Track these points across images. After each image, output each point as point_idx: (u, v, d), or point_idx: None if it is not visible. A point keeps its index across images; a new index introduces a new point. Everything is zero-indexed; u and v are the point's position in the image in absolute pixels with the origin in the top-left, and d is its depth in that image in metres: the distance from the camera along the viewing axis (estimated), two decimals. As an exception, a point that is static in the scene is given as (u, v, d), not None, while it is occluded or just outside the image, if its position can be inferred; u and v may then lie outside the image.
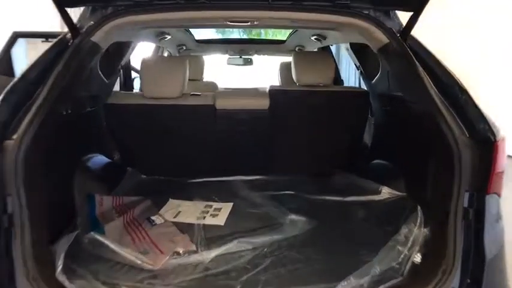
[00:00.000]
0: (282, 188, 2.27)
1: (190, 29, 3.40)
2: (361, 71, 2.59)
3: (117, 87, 2.77)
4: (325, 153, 2.51)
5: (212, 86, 3.49)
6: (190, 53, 3.99)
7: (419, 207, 1.66)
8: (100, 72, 2.18)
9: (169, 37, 2.94)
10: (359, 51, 2.55)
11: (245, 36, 4.07)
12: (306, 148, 2.48)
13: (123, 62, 2.52)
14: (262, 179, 2.44)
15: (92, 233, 1.66)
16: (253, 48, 4.04)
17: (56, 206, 1.59)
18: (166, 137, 2.32)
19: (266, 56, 4.35)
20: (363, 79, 2.60)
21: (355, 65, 2.68)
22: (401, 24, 1.79)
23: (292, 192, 2.23)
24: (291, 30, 3.52)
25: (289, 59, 4.34)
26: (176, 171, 2.45)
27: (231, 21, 1.81)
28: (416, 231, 1.60)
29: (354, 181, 2.37)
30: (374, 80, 2.42)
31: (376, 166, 2.43)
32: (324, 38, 2.83)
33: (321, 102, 2.34)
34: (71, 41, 1.64)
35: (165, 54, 3.75)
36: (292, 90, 2.40)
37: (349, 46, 2.59)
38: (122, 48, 2.45)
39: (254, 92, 2.53)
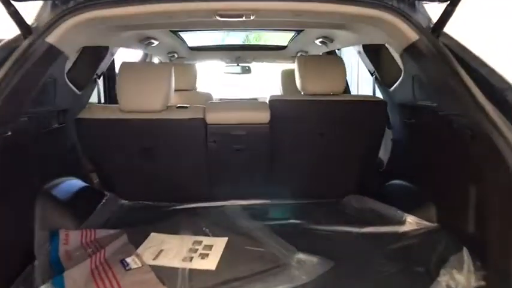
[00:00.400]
0: (286, 216, 1.92)
1: (181, 35, 3.08)
2: (375, 77, 2.25)
3: (95, 99, 2.42)
4: (335, 174, 2.16)
5: (206, 97, 3.15)
6: (183, 62, 3.67)
7: (465, 248, 1.30)
8: (69, 83, 1.85)
9: (156, 43, 2.61)
10: (373, 54, 2.22)
11: (242, 42, 3.75)
12: (313, 168, 2.13)
13: (99, 71, 2.18)
14: (263, 205, 2.08)
15: (48, 284, 1.32)
16: (251, 55, 3.71)
17: (7, 246, 1.29)
18: (149, 156, 1.97)
19: (265, 63, 4.02)
20: (379, 86, 2.26)
21: (369, 70, 2.33)
22: (430, 19, 1.47)
23: (299, 222, 1.87)
24: (292, 34, 3.20)
25: (290, 66, 4.07)
26: (161, 196, 2.10)
27: (221, 16, 1.47)
28: (462, 280, 1.24)
29: (370, 206, 2.02)
30: (393, 88, 2.08)
31: (396, 188, 2.08)
32: (331, 40, 2.49)
33: (332, 114, 2.00)
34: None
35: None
36: (297, 100, 2.05)
37: (361, 48, 2.25)
38: (98, 55, 2.12)
39: (252, 104, 2.18)
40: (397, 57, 1.99)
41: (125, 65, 1.90)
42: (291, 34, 3.31)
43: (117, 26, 1.82)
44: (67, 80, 1.82)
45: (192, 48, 3.51)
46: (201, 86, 3.62)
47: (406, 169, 2.07)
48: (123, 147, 1.97)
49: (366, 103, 2.07)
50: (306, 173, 2.14)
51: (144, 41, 2.46)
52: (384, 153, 2.34)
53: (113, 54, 2.24)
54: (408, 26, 1.36)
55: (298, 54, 3.58)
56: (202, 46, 3.60)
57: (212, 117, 1.93)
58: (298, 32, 2.84)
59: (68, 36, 1.38)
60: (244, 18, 1.49)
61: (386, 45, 2.19)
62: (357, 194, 2.16)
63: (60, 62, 1.54)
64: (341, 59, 2.10)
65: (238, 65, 3.84)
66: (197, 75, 3.23)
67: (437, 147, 1.67)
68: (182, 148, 1.97)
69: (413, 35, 1.38)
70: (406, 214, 1.80)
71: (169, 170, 2.03)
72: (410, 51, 1.47)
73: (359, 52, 2.31)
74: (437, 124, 1.60)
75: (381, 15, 1.34)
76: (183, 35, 3.11)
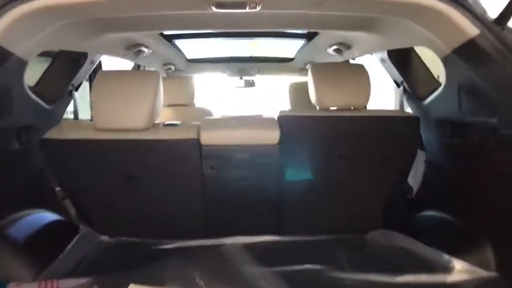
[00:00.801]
0: (300, 259, 1.54)
1: (177, 44, 2.76)
2: (404, 88, 1.89)
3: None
4: (358, 203, 1.79)
5: (204, 113, 2.81)
6: (181, 75, 3.35)
7: None
8: (32, 94, 1.51)
9: (147, 51, 2.29)
10: (400, 61, 1.88)
11: (245, 54, 3.42)
12: (331, 196, 1.76)
13: (76, 81, 1.84)
14: (271, 243, 1.72)
15: None
16: (254, 67, 3.38)
17: None
18: (133, 184, 1.62)
19: (270, 76, 3.69)
20: (408, 99, 1.91)
21: (395, 81, 1.98)
22: (484, 9, 1.14)
23: (316, 267, 1.49)
24: (300, 44, 2.88)
25: (298, 79, 3.73)
26: (147, 232, 1.73)
27: (218, 6, 1.13)
28: None
29: (400, 245, 1.65)
30: (428, 100, 1.73)
31: (432, 221, 1.72)
32: (348, 47, 2.16)
33: (354, 132, 1.65)
34: None
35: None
36: (312, 116, 1.70)
37: (386, 55, 1.91)
38: (74, 63, 1.80)
39: (257, 121, 1.83)
40: (433, 62, 1.65)
41: (102, 74, 1.56)
42: (298, 44, 3.00)
43: (90, 25, 1.50)
44: (28, 90, 1.48)
45: (191, 60, 3.19)
46: (200, 101, 3.30)
47: (446, 198, 1.70)
48: (101, 174, 1.62)
49: (395, 119, 1.71)
50: (323, 202, 1.77)
51: (132, 48, 2.13)
52: (413, 178, 1.96)
53: (93, 63, 1.91)
54: (467, 18, 1.02)
55: (307, 67, 3.25)
56: (201, 58, 3.28)
57: (208, 137, 1.58)
58: (308, 39, 2.51)
59: (15, 32, 1.05)
60: (248, 9, 1.15)
61: (414, 50, 1.86)
62: (383, 227, 1.80)
63: (12, 67, 1.21)
64: (363, 66, 1.76)
65: (241, 78, 3.52)
66: (195, 89, 2.89)
67: (495, 174, 1.31)
68: (172, 175, 1.61)
69: (472, 30, 1.05)
70: (452, 258, 1.42)
71: (157, 201, 1.67)
72: (464, 51, 1.13)
73: (382, 60, 1.97)
74: (497, 145, 1.24)
75: (434, 4, 1.00)
76: (179, 44, 2.80)
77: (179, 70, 3.27)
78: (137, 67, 2.83)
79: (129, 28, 1.69)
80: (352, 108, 1.71)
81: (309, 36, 2.46)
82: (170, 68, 3.16)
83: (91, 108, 1.68)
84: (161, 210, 1.69)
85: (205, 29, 1.87)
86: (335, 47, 2.27)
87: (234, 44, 3.34)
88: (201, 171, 1.59)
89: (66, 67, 1.78)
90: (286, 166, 1.66)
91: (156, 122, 1.58)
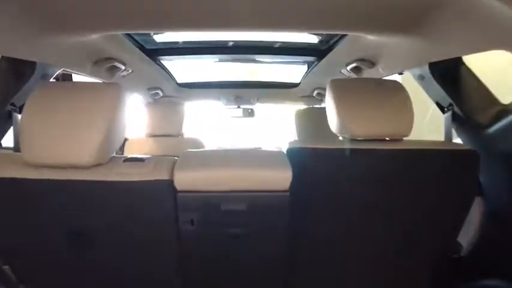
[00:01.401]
0: None
1: (164, 64, 2.35)
2: (453, 112, 1.44)
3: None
4: (394, 271, 1.30)
5: (194, 145, 2.35)
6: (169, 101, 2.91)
7: None
8: None
9: (124, 69, 1.86)
10: (447, 78, 1.44)
11: (243, 79, 3.00)
12: (360, 263, 1.27)
13: (18, 100, 1.37)
14: None
15: None
16: (254, 94, 2.95)
17: None
18: (81, 244, 1.12)
19: (272, 104, 3.26)
20: (459, 128, 1.45)
21: (439, 103, 1.53)
22: None
23: None
24: (307, 67, 2.47)
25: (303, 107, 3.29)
26: None
27: None
28: None
29: None
30: (492, 129, 1.28)
31: None
32: (373, 63, 1.73)
33: (392, 171, 1.19)
34: None
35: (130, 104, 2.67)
36: (337, 149, 1.23)
37: (427, 70, 1.47)
38: (16, 75, 1.35)
39: (259, 156, 1.34)
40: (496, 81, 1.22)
41: (41, 87, 1.10)
42: (303, 69, 2.59)
43: (34, 20, 1.07)
44: None
45: (182, 85, 2.77)
46: (190, 131, 2.85)
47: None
48: (38, 229, 1.13)
49: (447, 154, 1.25)
50: (350, 270, 1.27)
51: (103, 64, 1.70)
52: (465, 233, 1.48)
53: (46, 77, 1.46)
54: None
55: (315, 93, 2.83)
56: (194, 82, 2.86)
57: (186, 179, 1.10)
58: (319, 57, 2.09)
59: None
60: None
61: (463, 62, 1.44)
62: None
63: None
64: (400, 83, 1.32)
65: (239, 106, 3.09)
66: (184, 116, 2.44)
67: None
68: (134, 232, 1.12)
69: None
70: None
71: (114, 268, 1.17)
72: None
73: (420, 77, 1.53)
74: None
75: None
76: (167, 64, 2.39)
77: (168, 96, 2.84)
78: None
79: (87, 26, 1.25)
80: (387, 139, 1.26)
81: (320, 54, 2.05)
82: (157, 93, 2.73)
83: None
84: (120, 280, 1.18)
85: (189, 28, 1.43)
86: (354, 64, 1.84)
87: (231, 67, 2.94)
88: (176, 227, 1.10)
89: (5, 80, 1.33)
90: (300, 221, 1.17)
91: (114, 155, 1.11)
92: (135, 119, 2.48)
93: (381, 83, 1.34)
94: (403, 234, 1.30)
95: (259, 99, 3.03)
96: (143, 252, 1.14)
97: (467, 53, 1.32)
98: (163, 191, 1.07)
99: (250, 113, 3.15)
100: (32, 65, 1.36)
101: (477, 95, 1.37)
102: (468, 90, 1.40)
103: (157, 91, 2.70)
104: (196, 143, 2.38)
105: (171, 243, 1.13)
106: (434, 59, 1.38)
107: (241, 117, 3.15)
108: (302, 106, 3.15)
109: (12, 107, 1.36)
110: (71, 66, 1.55)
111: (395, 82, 1.34)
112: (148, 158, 1.13)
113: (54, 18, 1.14)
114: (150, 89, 2.62)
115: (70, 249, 1.13)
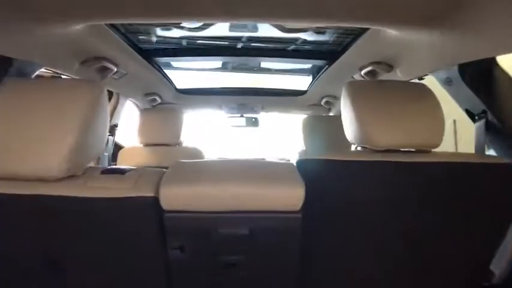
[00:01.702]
0: None
1: (165, 70, 2.19)
2: (487, 121, 1.26)
3: None
4: None
5: (192, 155, 2.17)
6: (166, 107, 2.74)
7: None
8: None
9: (116, 70, 1.70)
10: (479, 81, 1.26)
11: (247, 85, 2.84)
12: None
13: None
14: None
15: None
16: (258, 102, 2.78)
17: None
18: (57, 271, 0.95)
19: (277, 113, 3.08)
20: (492, 140, 1.27)
21: (469, 111, 1.34)
22: None
23: None
24: (312, 78, 2.31)
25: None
26: None
27: None
28: None
29: None
30: None
31: None
32: (391, 66, 1.55)
33: (422, 188, 1.01)
34: None
35: (125, 110, 2.50)
36: (359, 162, 1.03)
37: (456, 73, 1.29)
38: None
39: (265, 168, 1.14)
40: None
41: (10, 83, 0.94)
42: (310, 77, 2.43)
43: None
44: None
45: (181, 91, 2.60)
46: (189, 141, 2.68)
47: None
48: (7, 251, 0.95)
49: (482, 168, 1.06)
50: None
51: (93, 64, 1.53)
52: (497, 260, 1.29)
53: (23, 74, 1.29)
54: None
55: (323, 102, 2.66)
56: (194, 88, 2.70)
57: (174, 196, 0.92)
58: (330, 61, 1.92)
59: None
60: None
61: (497, 63, 1.27)
62: None
63: None
64: (427, 87, 1.14)
65: (242, 115, 2.92)
66: (182, 124, 2.26)
67: None
68: (113, 260, 0.94)
69: None
70: None
71: None
72: None
73: (448, 81, 1.35)
74: None
75: None
76: (165, 69, 2.23)
77: (166, 103, 2.67)
78: (108, 94, 2.23)
79: (66, 15, 1.08)
80: (413, 150, 1.08)
81: (331, 57, 1.88)
82: (155, 99, 2.56)
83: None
84: None
85: (185, 18, 1.25)
86: (369, 68, 1.66)
87: (234, 75, 2.78)
88: (163, 255, 0.92)
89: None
90: (311, 246, 0.99)
91: (91, 165, 0.94)
92: (132, 126, 2.32)
93: (405, 86, 1.16)
94: (428, 259, 1.12)
95: (263, 107, 2.86)
96: (124, 283, 0.95)
97: (504, 53, 1.14)
98: (147, 211, 0.89)
99: (254, 123, 2.98)
100: (5, 61, 1.20)
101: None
102: (504, 95, 1.22)
103: (155, 97, 2.54)
104: (195, 153, 2.21)
105: (157, 274, 0.95)
106: (464, 60, 1.20)
107: (244, 126, 2.98)
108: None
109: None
110: (53, 64, 1.39)
111: (422, 85, 1.16)
112: (130, 170, 0.95)
113: (25, 5, 0.98)
114: (147, 94, 2.46)
115: (35, 273, 0.95)
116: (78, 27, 1.18)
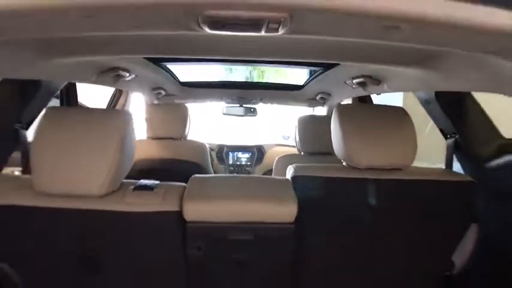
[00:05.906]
0: None
1: (167, 66, 2.32)
2: (456, 142, 1.46)
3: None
4: None
5: (197, 149, 2.36)
6: (173, 100, 2.89)
7: None
8: None
9: (128, 75, 1.84)
10: (452, 105, 1.45)
11: (247, 79, 2.99)
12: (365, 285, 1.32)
13: (26, 117, 1.38)
14: None
15: None
16: (257, 95, 2.93)
17: None
18: (92, 268, 1.16)
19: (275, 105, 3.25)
20: (461, 158, 1.47)
21: (442, 130, 1.54)
22: None
23: None
24: (313, 73, 2.46)
25: (305, 110, 3.29)
26: None
27: (210, 26, 0.67)
28: None
29: None
30: (492, 163, 1.30)
31: None
32: (378, 81, 1.72)
33: (397, 200, 1.23)
34: None
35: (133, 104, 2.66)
36: (343, 178, 1.25)
37: (433, 96, 1.47)
38: (21, 93, 1.34)
39: (264, 188, 1.36)
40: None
41: (50, 112, 1.11)
42: (307, 72, 2.58)
43: (39, 46, 1.05)
44: None
45: (184, 84, 2.74)
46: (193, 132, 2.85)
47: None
48: (48, 251, 1.15)
49: (448, 184, 1.27)
50: None
51: (109, 73, 1.68)
52: (457, 255, 1.53)
53: (52, 92, 1.45)
54: None
55: (318, 97, 2.82)
56: (197, 82, 2.84)
57: (195, 211, 1.14)
58: (326, 67, 2.08)
59: None
60: (263, 33, 0.70)
61: (471, 94, 1.45)
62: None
63: None
64: (404, 110, 1.33)
65: (241, 105, 3.08)
66: (188, 119, 2.42)
67: None
68: (143, 257, 1.15)
69: None
70: None
71: None
72: None
73: (426, 102, 1.54)
74: None
75: None
76: (170, 66, 2.36)
77: (171, 95, 2.82)
78: (118, 92, 2.38)
79: (97, 52, 1.24)
80: (389, 167, 1.28)
81: (328, 65, 2.03)
82: (160, 93, 2.71)
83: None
84: None
85: (197, 55, 1.43)
86: (360, 79, 1.83)
87: (235, 68, 2.92)
88: (184, 253, 1.15)
89: (10, 98, 1.33)
90: (305, 254, 1.21)
91: (124, 180, 1.13)
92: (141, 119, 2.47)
93: (387, 111, 1.34)
94: (404, 257, 1.34)
95: (262, 99, 3.01)
96: (151, 279, 1.17)
97: (472, 90, 1.32)
98: (173, 222, 1.11)
99: (252, 112, 3.13)
100: (35, 83, 1.36)
101: (481, 128, 1.38)
102: (472, 122, 1.41)
103: (160, 91, 2.68)
104: (200, 148, 2.39)
105: (176, 269, 1.17)
106: (440, 89, 1.38)
107: (242, 115, 3.14)
108: (304, 107, 3.16)
109: (19, 125, 1.36)
110: (76, 79, 1.55)
111: (401, 110, 1.34)
112: (157, 186, 1.15)
113: (56, 44, 1.12)
114: (153, 89, 2.61)
115: (78, 274, 1.16)
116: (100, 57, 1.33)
